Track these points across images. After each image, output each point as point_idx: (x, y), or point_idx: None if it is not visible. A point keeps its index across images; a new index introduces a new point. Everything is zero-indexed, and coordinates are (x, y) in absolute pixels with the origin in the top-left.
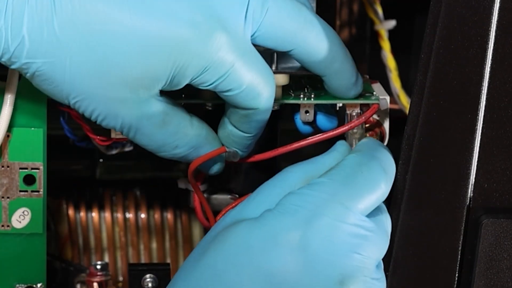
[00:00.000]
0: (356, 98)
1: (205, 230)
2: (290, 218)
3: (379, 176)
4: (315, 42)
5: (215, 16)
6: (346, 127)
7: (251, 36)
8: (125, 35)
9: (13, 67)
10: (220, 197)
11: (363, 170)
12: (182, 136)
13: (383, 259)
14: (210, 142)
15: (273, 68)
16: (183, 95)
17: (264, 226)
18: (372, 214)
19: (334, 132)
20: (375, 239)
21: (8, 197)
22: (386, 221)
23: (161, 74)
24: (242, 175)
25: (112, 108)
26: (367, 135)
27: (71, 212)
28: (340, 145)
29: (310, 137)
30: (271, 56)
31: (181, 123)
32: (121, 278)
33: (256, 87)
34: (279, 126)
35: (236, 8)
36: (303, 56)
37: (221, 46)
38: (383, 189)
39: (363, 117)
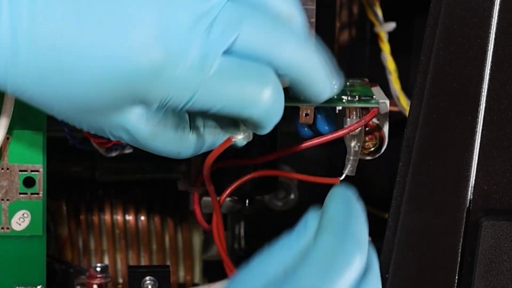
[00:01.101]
0: (356, 102)
1: (205, 232)
2: None
3: (355, 254)
4: (288, 59)
5: (172, 39)
6: (345, 131)
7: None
8: (82, 66)
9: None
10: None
11: (338, 254)
12: (179, 143)
13: (383, 261)
14: (215, 140)
15: None
16: None
17: None
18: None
19: (334, 135)
20: None
21: (7, 200)
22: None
23: (123, 103)
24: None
25: (96, 127)
26: (367, 139)
27: (70, 214)
28: (311, 220)
29: (310, 140)
30: None
31: (171, 134)
32: (121, 280)
33: (241, 100)
34: (278, 128)
35: (198, 27)
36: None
37: (181, 70)
38: (358, 265)
39: (363, 121)
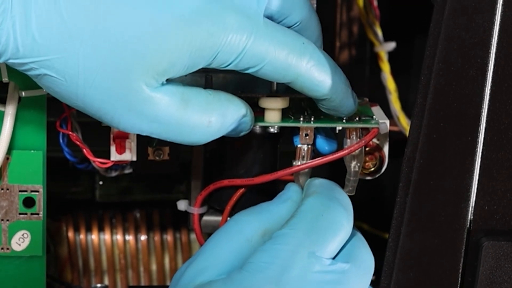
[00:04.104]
0: (356, 122)
1: None
2: (261, 277)
3: (341, 215)
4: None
5: None
6: (346, 151)
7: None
8: (137, 19)
9: (22, 68)
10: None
11: (324, 213)
12: (212, 106)
13: (383, 282)
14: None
15: (273, 91)
16: None
17: (236, 287)
18: (348, 252)
19: (334, 156)
20: (349, 279)
21: (7, 220)
22: (364, 256)
23: (179, 57)
24: (242, 198)
25: (125, 105)
26: (367, 159)
27: (70, 234)
28: (293, 192)
29: (310, 161)
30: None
31: (202, 97)
32: None
33: (284, 60)
34: (279, 148)
35: None
36: (310, 24)
37: (232, 24)
38: (346, 227)
39: (363, 141)
